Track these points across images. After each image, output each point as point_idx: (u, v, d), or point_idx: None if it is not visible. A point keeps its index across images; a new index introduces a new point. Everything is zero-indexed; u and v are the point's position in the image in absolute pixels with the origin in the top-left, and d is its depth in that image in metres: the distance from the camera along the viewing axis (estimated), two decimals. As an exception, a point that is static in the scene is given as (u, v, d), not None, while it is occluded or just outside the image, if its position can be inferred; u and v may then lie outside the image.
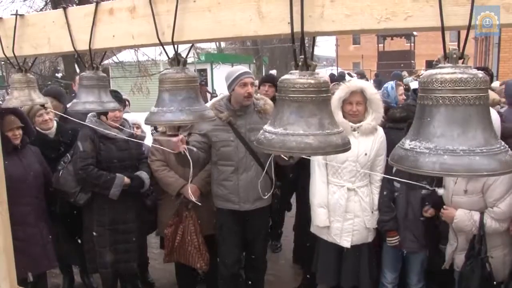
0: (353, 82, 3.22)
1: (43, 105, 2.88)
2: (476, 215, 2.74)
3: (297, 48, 1.18)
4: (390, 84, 4.71)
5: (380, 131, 3.15)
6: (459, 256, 2.91)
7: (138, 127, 3.89)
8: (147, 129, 3.89)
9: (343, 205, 3.06)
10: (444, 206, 2.88)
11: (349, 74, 17.90)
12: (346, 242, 3.09)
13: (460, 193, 2.80)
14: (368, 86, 3.10)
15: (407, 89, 6.38)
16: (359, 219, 3.07)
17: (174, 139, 2.94)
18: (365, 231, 3.12)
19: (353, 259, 3.15)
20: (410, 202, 3.08)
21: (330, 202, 3.11)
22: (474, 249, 2.76)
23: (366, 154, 3.02)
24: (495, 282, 2.71)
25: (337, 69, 24.63)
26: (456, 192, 2.82)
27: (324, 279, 3.37)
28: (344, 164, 3.02)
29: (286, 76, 1.19)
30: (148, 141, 4.11)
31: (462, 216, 2.77)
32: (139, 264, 3.84)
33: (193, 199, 3.31)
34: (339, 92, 3.04)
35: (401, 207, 3.12)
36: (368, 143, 3.05)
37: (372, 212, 3.13)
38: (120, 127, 3.51)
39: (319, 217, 3.14)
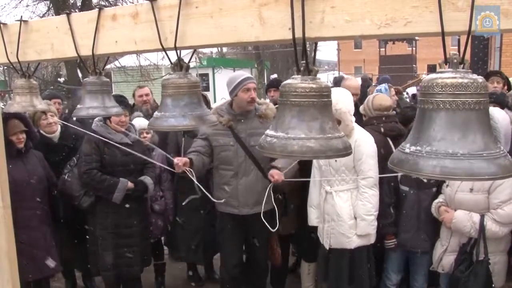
0: None
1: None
2: (476, 217, 2.70)
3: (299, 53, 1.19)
4: (383, 86, 5.10)
5: (355, 136, 2.99)
6: (447, 257, 2.90)
7: (148, 132, 3.88)
8: None
9: (322, 206, 3.13)
10: (443, 208, 2.87)
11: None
12: (326, 244, 3.13)
13: (465, 190, 2.76)
14: None
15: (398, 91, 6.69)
16: (334, 223, 3.05)
17: (176, 160, 2.96)
18: (342, 237, 3.03)
19: (335, 262, 3.15)
20: (421, 202, 3.07)
21: (318, 203, 3.22)
22: (467, 253, 2.72)
23: (336, 160, 2.98)
24: (493, 285, 2.69)
25: (339, 74, 24.63)
26: (461, 189, 2.78)
27: (318, 276, 3.47)
28: (323, 168, 3.12)
29: (288, 81, 1.20)
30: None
31: (461, 217, 2.74)
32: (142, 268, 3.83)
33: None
34: None
35: (412, 209, 3.10)
36: None
37: (355, 218, 2.99)
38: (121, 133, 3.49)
39: (309, 216, 3.27)
